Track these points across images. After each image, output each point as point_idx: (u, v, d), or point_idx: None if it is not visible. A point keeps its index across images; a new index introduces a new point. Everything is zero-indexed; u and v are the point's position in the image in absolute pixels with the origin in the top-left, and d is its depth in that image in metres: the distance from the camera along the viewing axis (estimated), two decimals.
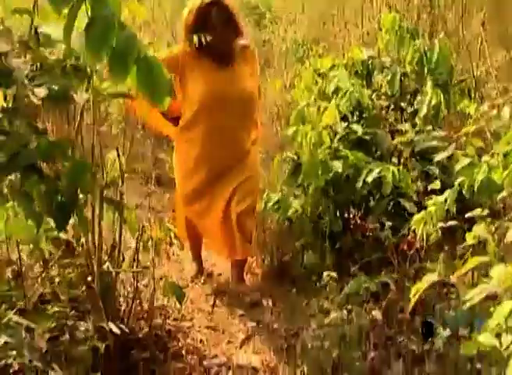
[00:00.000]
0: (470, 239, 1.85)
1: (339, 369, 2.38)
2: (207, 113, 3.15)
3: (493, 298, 2.23)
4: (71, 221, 1.95)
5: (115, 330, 2.14)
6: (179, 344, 2.85)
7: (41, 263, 2.26)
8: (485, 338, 1.52)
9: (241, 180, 3.19)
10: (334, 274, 2.41)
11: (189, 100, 3.17)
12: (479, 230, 1.84)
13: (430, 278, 1.53)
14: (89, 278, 2.28)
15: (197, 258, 3.57)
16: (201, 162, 3.21)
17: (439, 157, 2.71)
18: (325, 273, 2.44)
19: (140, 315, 2.85)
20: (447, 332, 2.03)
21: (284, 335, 2.79)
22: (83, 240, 2.24)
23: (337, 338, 2.32)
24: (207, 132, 3.17)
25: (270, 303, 3.14)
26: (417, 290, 1.54)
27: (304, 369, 2.46)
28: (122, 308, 2.80)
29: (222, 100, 3.14)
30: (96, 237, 2.42)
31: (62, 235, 2.01)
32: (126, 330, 2.35)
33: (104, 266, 2.53)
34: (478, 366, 2.37)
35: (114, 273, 2.61)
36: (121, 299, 2.87)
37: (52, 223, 1.47)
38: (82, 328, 2.02)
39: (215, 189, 3.23)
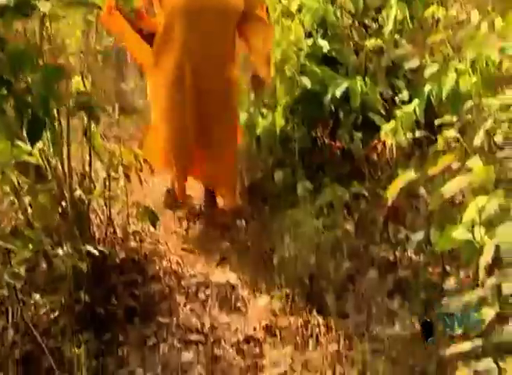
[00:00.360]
0: (441, 142, 1.87)
1: (315, 278, 2.45)
2: (183, 27, 2.87)
3: (458, 205, 2.30)
4: (40, 145, 1.92)
5: (93, 251, 2.14)
6: (157, 267, 2.88)
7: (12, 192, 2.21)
8: (459, 234, 1.57)
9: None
10: (308, 185, 2.44)
11: (164, 10, 2.91)
12: (449, 133, 1.86)
13: (406, 176, 1.56)
14: (63, 203, 2.25)
15: (181, 185, 3.34)
16: (177, 89, 2.98)
17: (409, 65, 2.70)
18: (299, 184, 2.46)
19: (115, 241, 2.86)
20: (419, 235, 2.08)
21: (259, 251, 2.84)
22: (54, 162, 2.19)
23: (312, 249, 2.38)
24: (183, 48, 2.91)
25: (243, 222, 3.17)
26: (394, 188, 1.57)
27: (281, 281, 2.52)
28: (97, 235, 2.80)
29: (199, 10, 2.86)
30: (66, 164, 2.38)
31: (31, 160, 1.97)
32: (104, 251, 2.35)
33: (76, 193, 2.50)
34: (448, 268, 2.47)
35: (86, 201, 2.59)
36: (95, 228, 2.87)
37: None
38: (60, 252, 2.01)
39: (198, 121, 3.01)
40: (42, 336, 2.38)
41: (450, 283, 2.62)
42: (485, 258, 1.38)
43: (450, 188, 1.45)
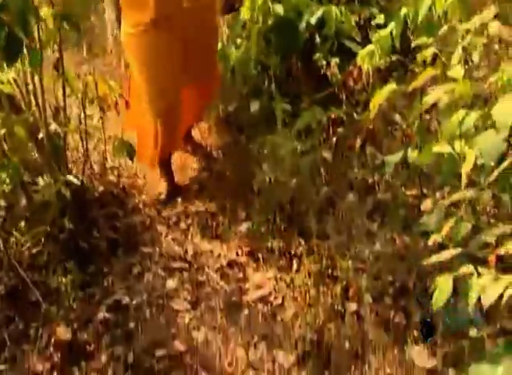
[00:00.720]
0: (419, 60, 1.87)
1: (295, 202, 2.49)
2: None
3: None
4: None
5: (74, 180, 2.13)
6: (136, 200, 2.89)
7: None
8: (440, 148, 1.60)
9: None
10: (287, 106, 2.43)
11: None
12: (428, 51, 1.87)
13: (388, 88, 1.57)
14: (39, 136, 2.22)
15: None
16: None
17: None
18: (277, 107, 2.45)
19: (92, 176, 2.85)
20: (396, 157, 2.11)
21: (238, 179, 2.86)
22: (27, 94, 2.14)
23: (292, 173, 2.40)
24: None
25: (220, 153, 3.17)
26: (376, 101, 1.58)
27: (261, 206, 2.56)
28: (74, 171, 2.78)
29: None
30: (39, 95, 2.34)
31: (4, 89, 1.92)
32: (84, 182, 2.34)
33: (51, 127, 2.47)
34: (425, 190, 2.53)
35: (62, 134, 2.56)
36: (71, 165, 2.85)
37: None
38: (41, 182, 1.99)
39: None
40: (27, 271, 2.40)
41: (427, 204, 2.70)
42: (466, 168, 1.42)
43: (432, 97, 1.47)
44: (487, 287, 1.46)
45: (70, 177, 2.16)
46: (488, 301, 1.49)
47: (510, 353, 1.39)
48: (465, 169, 1.42)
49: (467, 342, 2.06)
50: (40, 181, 2.05)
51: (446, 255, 1.73)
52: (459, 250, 1.64)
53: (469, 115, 1.51)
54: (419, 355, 2.07)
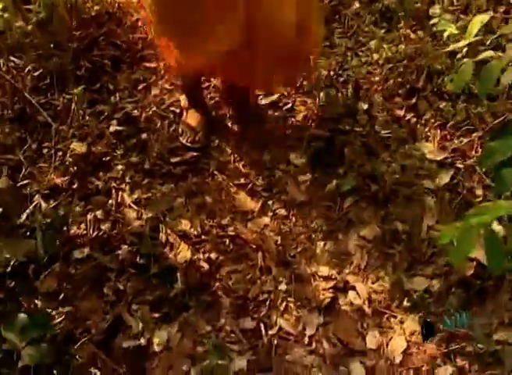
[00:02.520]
0: None
1: None
2: None
3: None
4: None
5: None
6: (134, 18, 2.76)
7: None
8: None
9: None
10: None
11: None
12: None
13: None
14: None
15: None
16: None
17: None
18: None
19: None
20: None
21: None
22: None
23: None
24: None
25: None
26: None
27: None
28: None
29: None
30: None
31: None
32: None
33: None
34: None
35: None
36: None
37: None
38: None
39: None
40: (31, 94, 2.37)
41: (435, 9, 2.60)
42: None
43: None
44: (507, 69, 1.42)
45: None
46: (506, 80, 1.47)
47: None
48: None
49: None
50: None
51: (462, 43, 1.68)
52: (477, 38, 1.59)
53: None
54: (430, 149, 2.10)
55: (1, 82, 2.40)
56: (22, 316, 1.46)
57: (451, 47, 1.73)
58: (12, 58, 2.48)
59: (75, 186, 2.07)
